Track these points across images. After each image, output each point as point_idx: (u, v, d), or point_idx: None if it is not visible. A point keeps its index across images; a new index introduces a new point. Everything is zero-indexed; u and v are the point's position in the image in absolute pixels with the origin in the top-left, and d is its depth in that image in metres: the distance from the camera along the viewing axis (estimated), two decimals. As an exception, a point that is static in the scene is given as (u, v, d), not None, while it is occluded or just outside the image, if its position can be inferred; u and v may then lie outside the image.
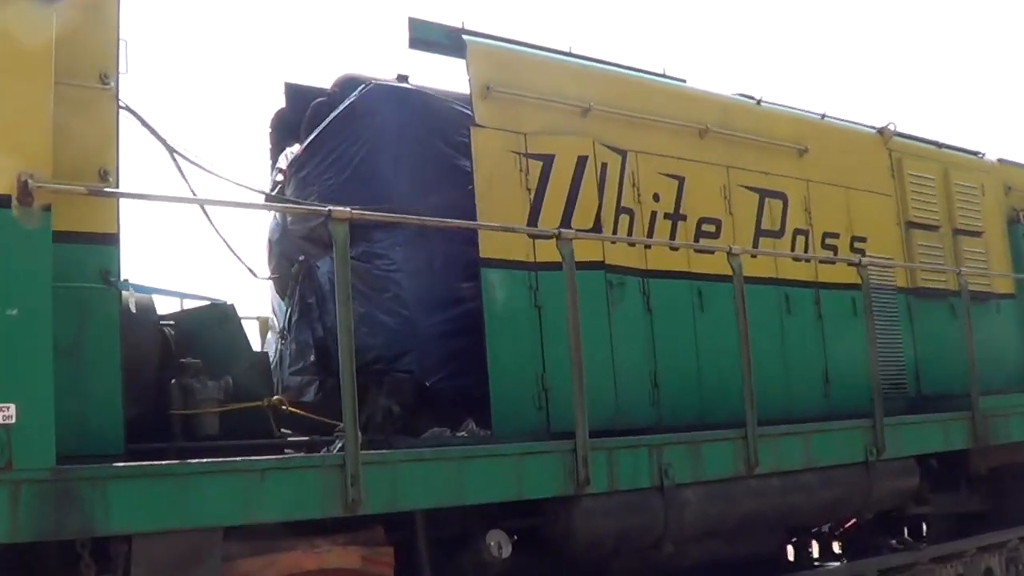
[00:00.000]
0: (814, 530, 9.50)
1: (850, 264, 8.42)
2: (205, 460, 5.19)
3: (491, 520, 6.40)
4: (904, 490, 8.50)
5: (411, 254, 7.29)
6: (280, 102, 8.77)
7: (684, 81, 8.96)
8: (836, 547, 9.64)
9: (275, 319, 8.36)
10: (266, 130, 8.88)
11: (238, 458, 5.40)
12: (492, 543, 6.23)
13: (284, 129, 8.69)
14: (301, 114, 8.42)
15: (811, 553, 9.57)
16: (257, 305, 8.93)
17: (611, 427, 7.22)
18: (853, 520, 9.61)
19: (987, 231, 10.94)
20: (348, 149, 7.60)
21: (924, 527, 11.66)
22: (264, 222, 8.37)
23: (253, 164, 8.61)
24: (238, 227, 10.59)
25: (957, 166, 10.82)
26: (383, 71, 7.98)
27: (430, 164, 7.44)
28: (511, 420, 6.92)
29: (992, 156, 11.53)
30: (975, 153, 11.30)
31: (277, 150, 8.66)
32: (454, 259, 7.30)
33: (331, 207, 5.72)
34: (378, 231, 7.34)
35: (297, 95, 8.67)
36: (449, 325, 7.20)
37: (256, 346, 8.05)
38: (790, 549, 9.38)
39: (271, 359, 7.91)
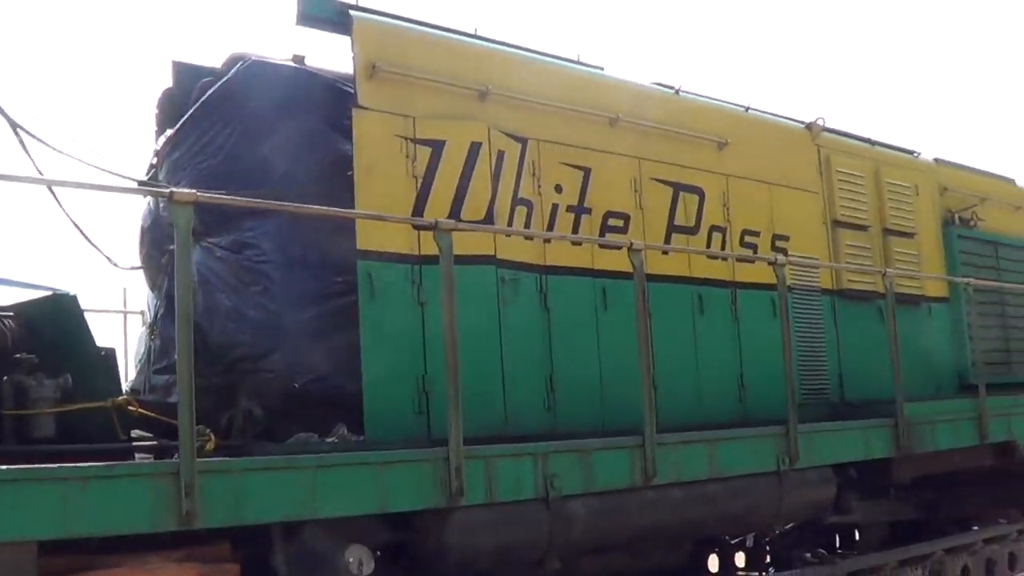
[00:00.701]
0: (734, 541, 9.10)
1: (767, 263, 7.96)
2: (15, 467, 4.68)
3: (361, 534, 5.92)
4: (819, 501, 8.09)
5: (282, 244, 6.79)
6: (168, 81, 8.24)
7: (601, 69, 8.51)
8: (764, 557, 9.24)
9: (148, 312, 7.84)
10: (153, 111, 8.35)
11: (54, 464, 4.88)
12: (351, 560, 5.75)
13: (171, 110, 8.16)
14: (189, 94, 7.91)
15: (734, 563, 9.17)
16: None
17: (500, 434, 6.78)
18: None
19: (920, 232, 10.57)
20: (223, 131, 7.11)
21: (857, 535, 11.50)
22: (137, 209, 7.85)
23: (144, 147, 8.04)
24: (105, 213, 9.90)
25: (889, 164, 10.45)
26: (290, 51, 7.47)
27: (311, 148, 6.96)
28: (387, 426, 6.47)
29: (928, 156, 11.15)
30: (909, 152, 10.94)
31: (161, 132, 8.14)
32: (331, 251, 6.80)
33: (174, 188, 5.23)
34: (249, 219, 6.86)
35: (185, 74, 8.14)
36: (322, 322, 6.71)
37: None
38: (713, 560, 9.00)
39: (139, 355, 7.40)
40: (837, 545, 11.67)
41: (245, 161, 6.97)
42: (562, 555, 6.53)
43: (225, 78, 7.24)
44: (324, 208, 6.07)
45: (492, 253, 7.05)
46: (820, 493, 8.07)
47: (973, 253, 11.09)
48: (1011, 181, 12.49)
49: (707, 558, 8.86)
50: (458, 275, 6.53)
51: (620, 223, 7.95)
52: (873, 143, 10.43)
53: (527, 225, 7.38)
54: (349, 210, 6.37)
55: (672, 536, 7.39)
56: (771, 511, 7.69)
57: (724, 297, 8.55)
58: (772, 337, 8.66)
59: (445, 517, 5.96)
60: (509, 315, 7.13)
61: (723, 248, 8.59)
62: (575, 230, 7.65)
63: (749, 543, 9.58)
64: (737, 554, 9.14)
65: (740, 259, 8.44)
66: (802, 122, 9.72)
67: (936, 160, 11.28)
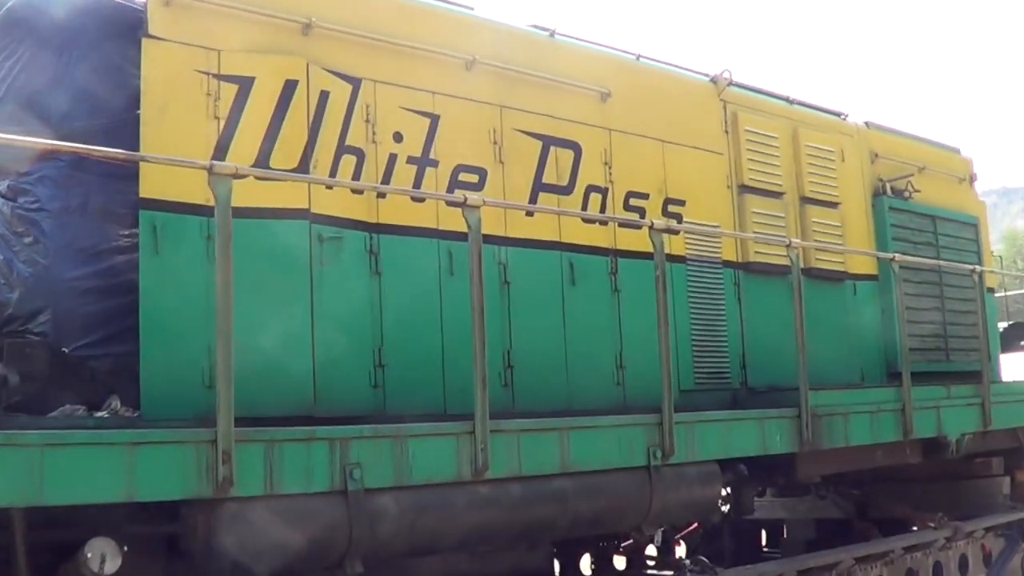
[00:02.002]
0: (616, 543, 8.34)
1: (646, 227, 7.15)
2: None
3: (112, 525, 5.16)
4: (700, 501, 7.28)
5: (58, 192, 6.02)
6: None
7: (472, 10, 7.71)
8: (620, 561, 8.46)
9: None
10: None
11: None
12: (90, 554, 4.97)
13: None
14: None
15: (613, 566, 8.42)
16: None
17: (310, 414, 6.02)
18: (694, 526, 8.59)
19: (845, 202, 9.81)
20: (4, 63, 6.32)
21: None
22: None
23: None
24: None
25: (810, 125, 9.67)
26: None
27: (102, 82, 6.17)
28: (169, 400, 5.69)
29: (859, 119, 10.38)
30: (835, 113, 10.16)
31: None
32: (118, 200, 6.02)
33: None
34: (29, 163, 6.08)
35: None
36: (101, 280, 5.95)
37: None
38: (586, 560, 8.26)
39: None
40: (764, 543, 11.08)
41: (27, 96, 6.21)
42: (369, 557, 5.72)
43: (8, 5, 6.45)
44: (110, 150, 5.24)
45: (306, 206, 6.26)
46: (702, 492, 7.26)
47: (907, 227, 10.33)
48: (955, 150, 11.73)
49: (579, 559, 8.07)
50: (259, 230, 5.82)
51: (474, 178, 7.18)
52: (792, 102, 9.66)
53: (356, 177, 6.57)
54: (133, 153, 5.52)
55: (514, 538, 6.58)
56: (639, 512, 6.88)
57: (601, 266, 7.78)
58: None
59: (214, 510, 5.17)
60: (326, 278, 6.33)
61: (602, 211, 7.78)
62: (417, 185, 6.84)
63: (657, 540, 8.87)
64: (616, 556, 8.35)
65: (614, 222, 7.65)
66: (706, 75, 8.92)
67: (867, 124, 10.51)
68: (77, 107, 6.14)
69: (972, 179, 11.68)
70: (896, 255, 8.95)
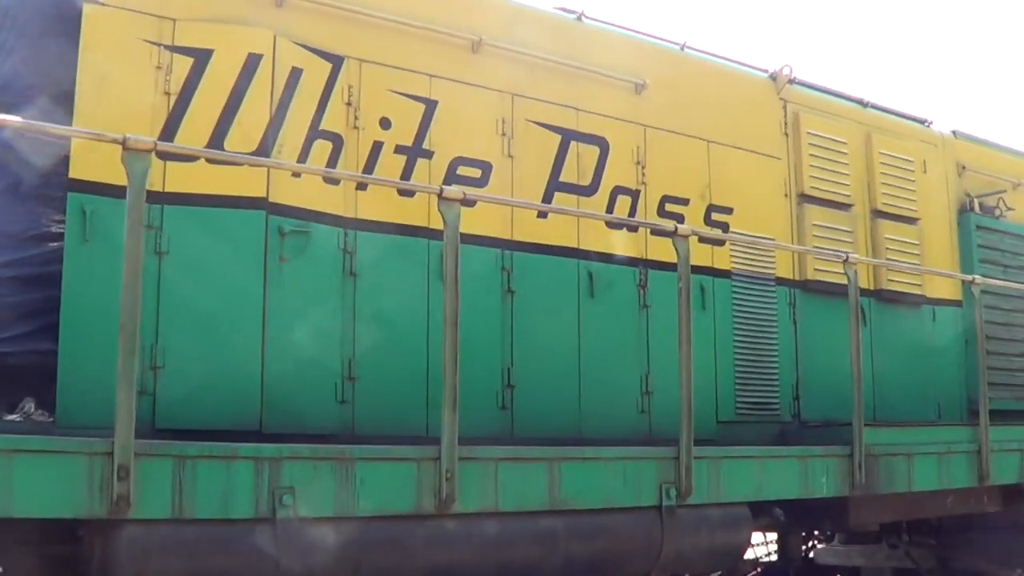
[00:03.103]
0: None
1: (667, 233, 6.10)
2: None
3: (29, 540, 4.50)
4: (725, 547, 6.20)
5: (-20, 173, 5.26)
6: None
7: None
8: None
9: None
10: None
11: None
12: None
13: None
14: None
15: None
16: None
17: (255, 429, 5.17)
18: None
19: (925, 218, 8.60)
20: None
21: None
22: None
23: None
24: None
25: (886, 132, 8.51)
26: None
27: (38, 53, 5.40)
28: (92, 406, 4.90)
29: (945, 126, 9.12)
30: (918, 120, 8.93)
31: None
32: (49, 182, 5.24)
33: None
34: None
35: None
36: (21, 270, 5.17)
37: None
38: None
39: None
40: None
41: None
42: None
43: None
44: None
45: (263, 195, 5.40)
46: (726, 538, 6.18)
47: (998, 248, 9.05)
48: (1053, 165, 10.32)
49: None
50: (206, 220, 4.99)
51: (476, 173, 6.26)
52: (865, 104, 8.50)
53: (331, 165, 5.69)
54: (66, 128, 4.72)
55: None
56: (646, 558, 5.84)
57: (628, 278, 6.77)
58: (697, 332, 6.87)
59: (111, 532, 4.33)
60: (287, 277, 5.45)
61: (632, 216, 6.76)
62: (407, 176, 5.93)
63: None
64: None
65: (646, 229, 6.60)
66: (764, 70, 7.82)
67: (955, 133, 9.27)
68: (15, 78, 5.37)
69: (1074, 198, 10.24)
70: (976, 277, 7.73)
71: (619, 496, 5.67)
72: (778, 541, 8.01)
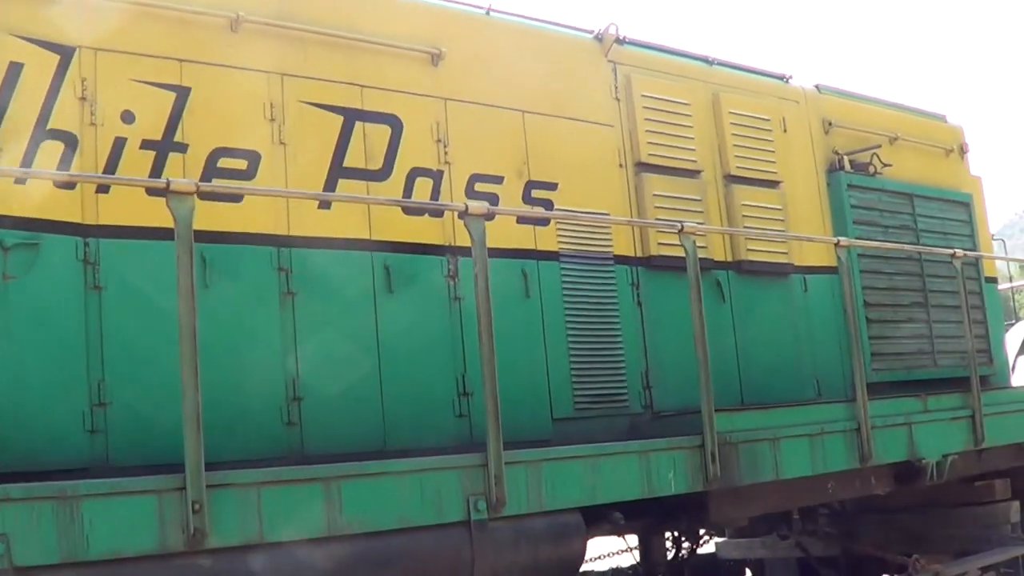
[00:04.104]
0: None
1: (457, 213, 5.69)
2: None
3: None
4: (554, 561, 5.75)
5: None
6: None
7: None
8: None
9: None
10: None
11: None
12: None
13: None
14: None
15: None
16: None
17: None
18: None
19: (788, 180, 8.28)
20: None
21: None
22: None
23: None
24: None
25: (737, 90, 8.17)
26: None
27: None
28: None
29: (807, 82, 8.79)
30: (776, 76, 8.57)
31: None
32: None
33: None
34: None
35: None
36: None
37: None
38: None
39: None
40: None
41: None
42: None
43: None
44: None
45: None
46: (555, 551, 5.74)
47: (875, 208, 8.75)
48: (938, 117, 10.09)
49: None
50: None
51: (241, 164, 5.83)
52: (712, 62, 8.12)
53: (64, 167, 5.23)
54: None
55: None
56: (455, 582, 5.37)
57: (434, 268, 6.33)
58: (520, 322, 6.48)
59: None
60: (13, 296, 4.97)
61: (435, 199, 6.34)
62: (157, 173, 5.47)
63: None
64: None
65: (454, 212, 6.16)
66: (590, 31, 7.43)
67: (818, 87, 8.93)
68: None
69: (963, 150, 9.96)
70: (841, 239, 7.32)
71: (416, 514, 5.21)
72: (640, 545, 7.60)
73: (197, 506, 4.53)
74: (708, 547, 9.58)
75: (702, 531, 8.90)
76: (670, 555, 8.77)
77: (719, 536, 9.27)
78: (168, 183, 4.62)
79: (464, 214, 5.45)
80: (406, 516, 5.17)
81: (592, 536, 6.20)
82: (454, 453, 5.60)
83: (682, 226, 6.40)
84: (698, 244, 7.31)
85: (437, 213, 6.32)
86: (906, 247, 8.44)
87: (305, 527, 4.89)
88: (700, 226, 6.62)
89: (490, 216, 5.45)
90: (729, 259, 7.74)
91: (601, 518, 6.06)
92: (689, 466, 6.27)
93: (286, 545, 4.84)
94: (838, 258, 7.34)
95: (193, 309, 4.59)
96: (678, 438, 6.32)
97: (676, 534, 8.65)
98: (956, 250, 8.16)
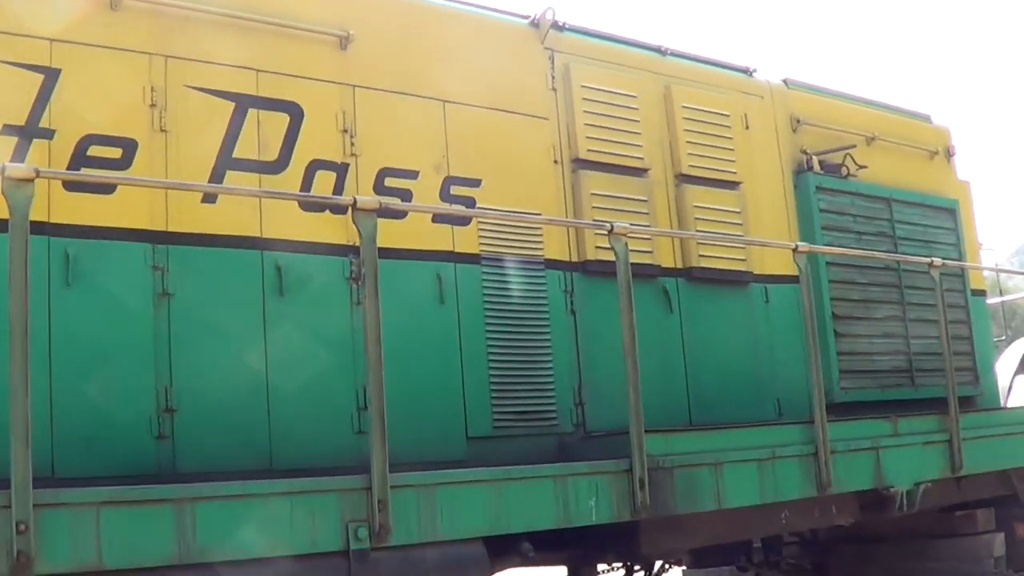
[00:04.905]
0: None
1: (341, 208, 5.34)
2: None
3: None
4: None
5: None
6: None
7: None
8: None
9: None
10: None
11: None
12: None
13: None
14: None
15: None
16: None
17: None
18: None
19: (749, 181, 7.90)
20: None
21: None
22: None
23: None
24: None
25: (693, 83, 7.81)
26: None
27: None
28: None
29: (776, 76, 8.37)
30: (739, 69, 8.19)
31: None
32: None
33: None
34: None
35: None
36: None
37: None
38: None
39: None
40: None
41: None
42: None
43: None
44: None
45: None
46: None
47: (846, 213, 8.34)
48: (922, 117, 9.66)
49: None
50: None
51: (115, 153, 5.50)
52: (664, 52, 7.73)
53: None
54: None
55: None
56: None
57: (333, 270, 5.99)
58: (432, 331, 6.13)
59: None
60: None
61: (341, 194, 5.99)
62: (19, 160, 5.16)
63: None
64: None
65: (325, 204, 5.79)
66: (525, 16, 7.06)
67: (786, 82, 8.51)
68: None
69: (949, 153, 9.53)
70: (799, 244, 6.94)
71: (284, 541, 4.84)
72: (569, 576, 7.19)
73: (23, 527, 4.18)
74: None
75: (659, 561, 8.48)
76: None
77: (679, 566, 8.85)
78: (3, 168, 4.29)
79: (353, 208, 5.10)
80: (273, 544, 4.80)
81: (500, 569, 5.82)
82: (349, 474, 5.22)
83: (612, 227, 6.02)
84: (643, 249, 7.00)
85: (340, 210, 5.94)
86: (877, 255, 8.02)
87: (152, 554, 4.54)
88: (634, 227, 6.20)
89: (384, 211, 5.11)
90: (679, 266, 7.35)
91: (512, 550, 5.68)
92: (614, 493, 5.88)
93: (127, 574, 4.50)
94: (797, 265, 6.93)
95: (25, 307, 4.25)
96: (602, 462, 5.94)
97: (631, 564, 8.25)
98: (933, 259, 7.73)
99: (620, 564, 7.98)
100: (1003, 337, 11.74)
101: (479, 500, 5.43)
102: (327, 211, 5.99)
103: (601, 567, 7.83)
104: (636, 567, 8.35)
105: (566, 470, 5.80)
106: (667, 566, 8.82)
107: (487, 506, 5.44)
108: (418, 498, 5.20)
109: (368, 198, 5.20)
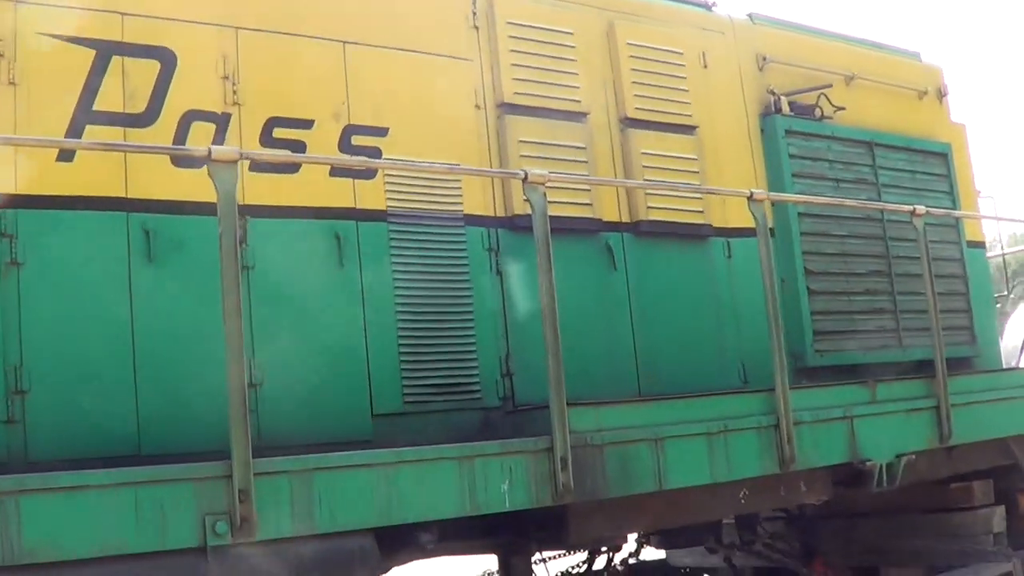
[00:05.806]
0: None
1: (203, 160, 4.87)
2: None
3: None
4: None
5: None
6: None
7: None
8: None
9: None
10: None
11: None
12: None
13: None
14: None
15: None
16: None
17: None
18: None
19: (707, 124, 7.39)
20: None
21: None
22: None
23: None
24: None
25: (640, 18, 7.34)
26: None
27: None
28: None
29: (740, 11, 7.85)
30: (696, 3, 7.65)
31: None
32: None
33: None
34: None
35: None
36: None
37: None
38: None
39: None
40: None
41: None
42: None
43: None
44: None
45: None
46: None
47: (821, 159, 7.80)
48: (911, 55, 9.04)
49: None
50: None
51: (-40, 108, 5.04)
52: (604, -14, 7.20)
53: None
54: None
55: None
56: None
57: (211, 232, 5.48)
58: (336, 297, 5.72)
59: None
60: None
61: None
62: None
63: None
64: None
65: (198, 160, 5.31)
66: (443, -50, 6.59)
67: (751, 16, 7.96)
68: None
69: (941, 94, 8.91)
70: (755, 192, 6.42)
71: (128, 538, 4.41)
72: (501, 569, 6.74)
73: None
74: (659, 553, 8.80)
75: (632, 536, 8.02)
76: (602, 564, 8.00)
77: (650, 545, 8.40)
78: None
79: (207, 160, 4.65)
80: (112, 540, 4.38)
81: (397, 564, 5.38)
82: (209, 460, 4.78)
83: (526, 175, 5.53)
84: (581, 201, 6.53)
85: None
86: (850, 203, 7.45)
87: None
88: (555, 175, 5.71)
89: (263, 164, 4.69)
90: (624, 219, 6.87)
91: (413, 542, 5.23)
92: (532, 475, 5.41)
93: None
94: (753, 215, 6.40)
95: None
96: (516, 440, 5.47)
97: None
98: (917, 207, 7.16)
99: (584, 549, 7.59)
100: (1005, 293, 11.10)
101: (366, 487, 4.97)
102: (206, 167, 5.54)
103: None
104: (602, 549, 7.94)
105: (472, 451, 5.33)
106: (640, 546, 8.40)
107: (375, 494, 4.98)
108: (292, 486, 4.76)
109: (226, 148, 4.77)
